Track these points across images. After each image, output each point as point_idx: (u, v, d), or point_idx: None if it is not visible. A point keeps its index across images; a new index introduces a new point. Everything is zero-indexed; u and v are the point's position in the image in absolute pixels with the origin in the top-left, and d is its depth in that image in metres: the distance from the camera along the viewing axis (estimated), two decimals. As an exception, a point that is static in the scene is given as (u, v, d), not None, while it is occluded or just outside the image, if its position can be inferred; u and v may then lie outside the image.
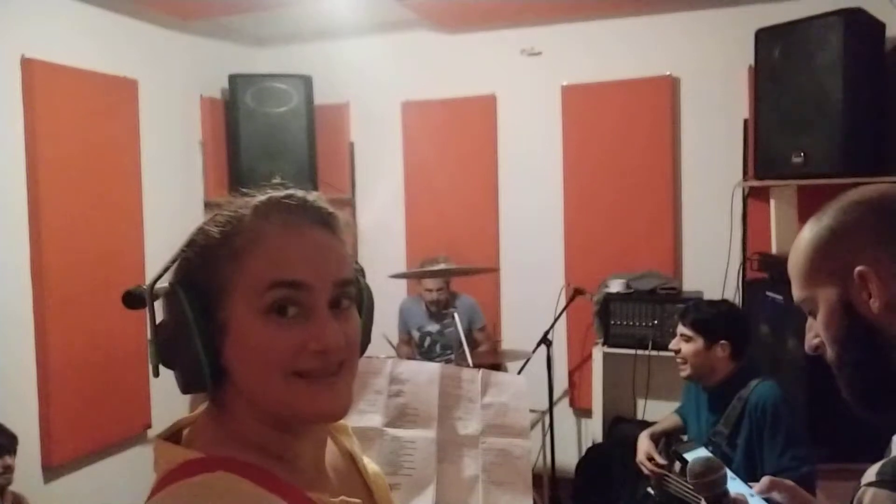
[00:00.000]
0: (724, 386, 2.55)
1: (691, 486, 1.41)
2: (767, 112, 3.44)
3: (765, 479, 1.33)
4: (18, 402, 3.27)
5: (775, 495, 1.30)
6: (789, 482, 1.33)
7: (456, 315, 3.35)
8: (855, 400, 0.97)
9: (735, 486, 1.44)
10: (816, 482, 2.33)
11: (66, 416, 3.44)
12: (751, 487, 1.43)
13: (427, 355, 4.12)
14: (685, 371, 2.61)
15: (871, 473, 0.88)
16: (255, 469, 0.80)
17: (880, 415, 0.96)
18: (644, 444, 2.78)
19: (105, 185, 3.69)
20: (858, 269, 0.92)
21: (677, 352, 2.63)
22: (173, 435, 0.86)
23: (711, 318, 2.59)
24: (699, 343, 2.55)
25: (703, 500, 1.37)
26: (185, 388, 0.83)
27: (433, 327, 4.18)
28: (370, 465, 1.00)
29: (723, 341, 2.53)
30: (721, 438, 2.45)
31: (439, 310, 4.13)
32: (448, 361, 3.78)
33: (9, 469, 2.86)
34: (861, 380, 0.96)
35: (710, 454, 1.55)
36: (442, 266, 3.56)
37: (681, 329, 2.63)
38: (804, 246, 1.00)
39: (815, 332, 1.00)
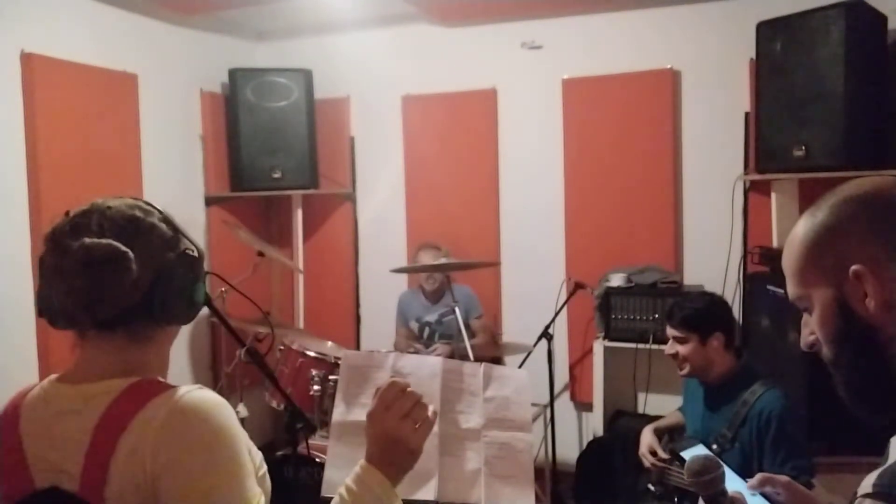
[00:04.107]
0: (724, 382, 2.52)
1: (688, 484, 1.40)
2: (769, 105, 3.43)
3: (758, 476, 1.31)
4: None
5: (769, 490, 1.29)
6: (784, 477, 1.30)
7: (456, 308, 3.36)
8: (851, 399, 0.94)
9: (733, 483, 1.43)
10: (815, 481, 2.33)
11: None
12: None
13: (427, 345, 4.13)
14: (685, 370, 2.57)
15: (867, 484, 0.85)
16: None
17: (877, 414, 0.94)
18: (647, 437, 2.77)
19: (105, 180, 3.67)
20: (853, 267, 0.89)
21: (675, 356, 2.57)
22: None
23: (700, 313, 2.55)
24: (694, 341, 2.51)
25: (700, 498, 1.36)
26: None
27: (431, 317, 4.20)
28: None
29: (717, 333, 2.50)
30: (726, 442, 2.43)
31: (437, 299, 4.14)
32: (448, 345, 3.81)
33: None
34: (857, 379, 0.93)
35: (708, 452, 1.53)
36: (443, 260, 3.56)
37: (671, 332, 2.58)
38: (797, 243, 0.97)
39: (811, 330, 0.98)
